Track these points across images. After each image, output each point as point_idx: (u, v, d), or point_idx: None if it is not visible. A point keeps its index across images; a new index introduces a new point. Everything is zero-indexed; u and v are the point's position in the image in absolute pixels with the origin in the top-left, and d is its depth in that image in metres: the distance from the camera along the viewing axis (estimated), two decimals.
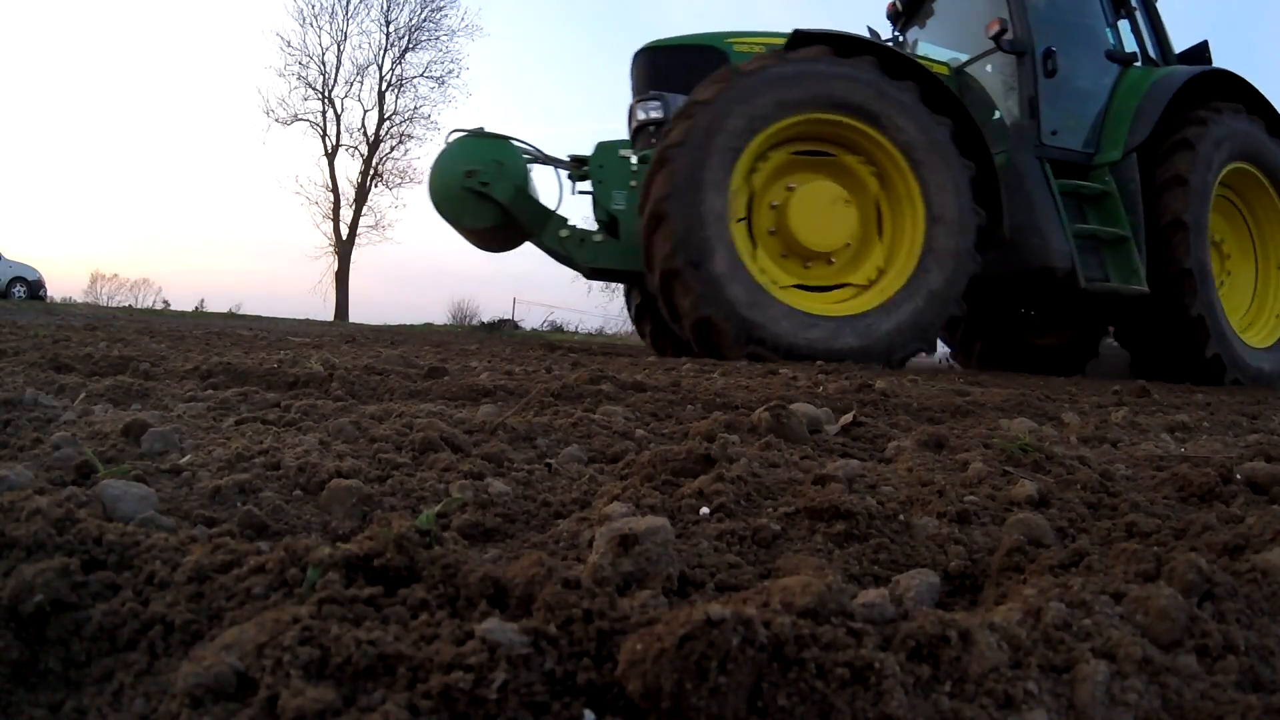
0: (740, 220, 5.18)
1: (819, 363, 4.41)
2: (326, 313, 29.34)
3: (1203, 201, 6.46)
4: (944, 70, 6.61)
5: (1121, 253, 6.28)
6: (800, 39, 5.52)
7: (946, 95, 5.63)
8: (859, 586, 0.86)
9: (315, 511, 1.05)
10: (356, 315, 30.09)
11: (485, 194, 6.05)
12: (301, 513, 1.04)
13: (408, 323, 21.55)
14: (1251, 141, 6.95)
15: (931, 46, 7.47)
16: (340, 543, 0.80)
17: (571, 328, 26.59)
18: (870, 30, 7.72)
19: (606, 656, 0.61)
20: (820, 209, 5.27)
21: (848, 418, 1.95)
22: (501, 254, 7.40)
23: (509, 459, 1.40)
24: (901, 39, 7.82)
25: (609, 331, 28.58)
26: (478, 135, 6.31)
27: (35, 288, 21.85)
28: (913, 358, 5.55)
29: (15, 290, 21.34)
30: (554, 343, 8.29)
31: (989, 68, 6.73)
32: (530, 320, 27.28)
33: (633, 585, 0.78)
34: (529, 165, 6.50)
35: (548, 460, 1.44)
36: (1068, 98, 6.58)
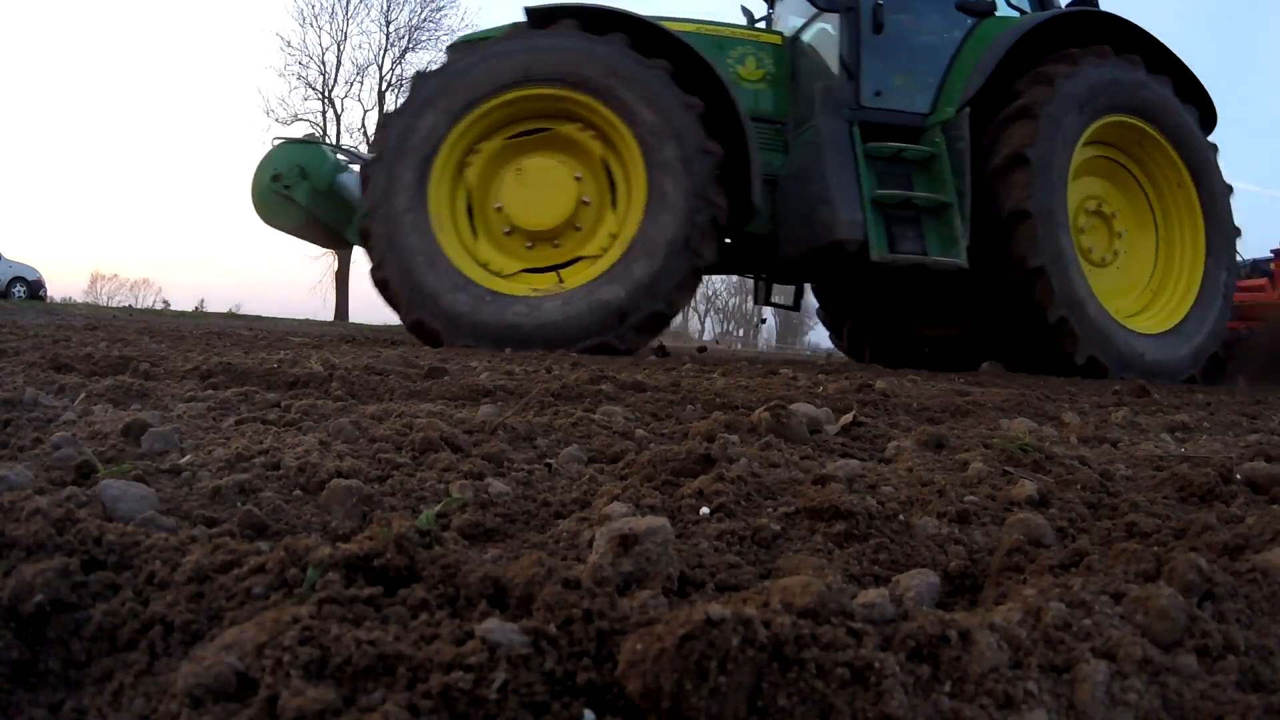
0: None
1: (822, 362, 4.39)
2: (326, 313, 29.34)
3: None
4: (775, 40, 6.25)
5: (943, 221, 5.48)
6: (539, 15, 5.33)
7: (708, 73, 5.29)
8: (859, 586, 0.86)
9: (315, 511, 1.05)
10: (356, 315, 30.08)
11: (288, 197, 6.37)
12: (301, 513, 1.05)
13: None
14: (1132, 91, 5.91)
15: (797, 18, 6.82)
16: (340, 543, 0.80)
17: None
18: (743, 9, 7.41)
19: (606, 656, 0.61)
20: (536, 188, 5.15)
21: (848, 418, 1.95)
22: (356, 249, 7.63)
23: (509, 459, 1.40)
24: (771, 13, 7.44)
25: None
26: (291, 142, 6.80)
27: (35, 288, 21.84)
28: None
29: (15, 290, 21.34)
30: None
31: (831, 30, 6.05)
32: None
33: (633, 585, 0.78)
34: (347, 168, 6.85)
35: (548, 460, 1.44)
36: (904, 55, 5.95)
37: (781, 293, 7.78)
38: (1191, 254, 6.24)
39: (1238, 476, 1.34)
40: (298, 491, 1.13)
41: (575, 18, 5.24)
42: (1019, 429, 2.07)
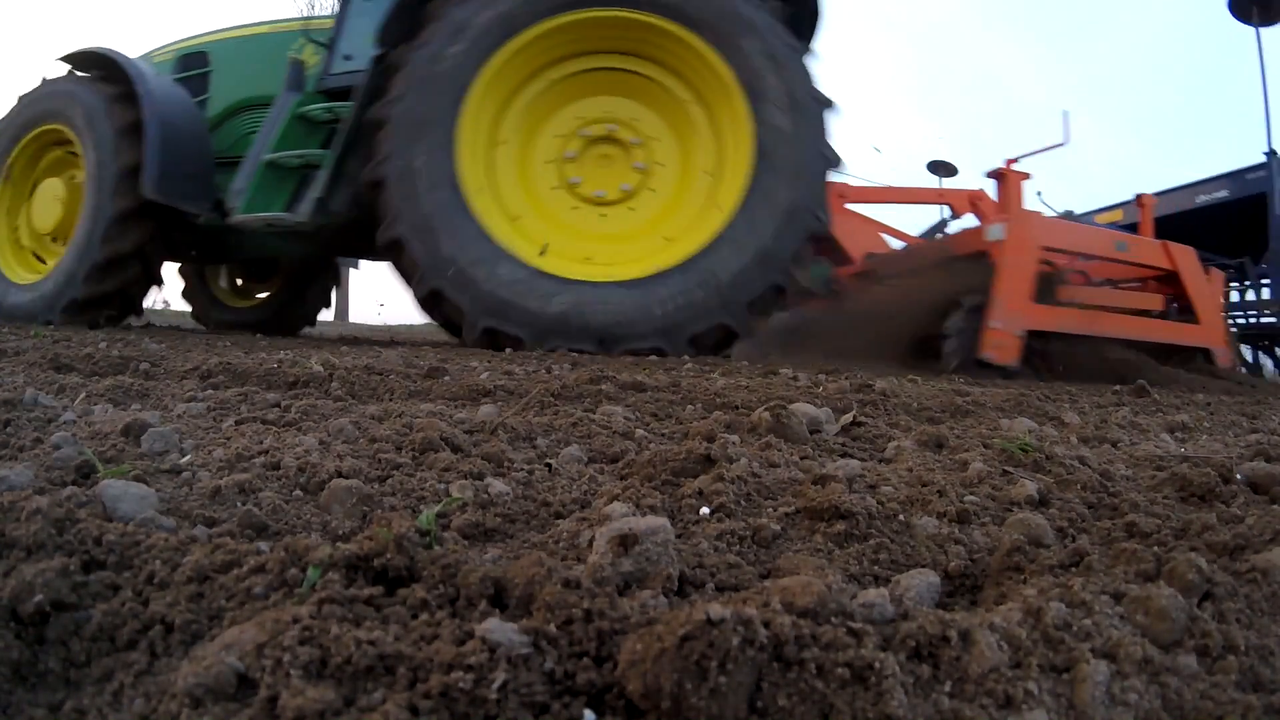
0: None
1: (819, 362, 4.38)
2: (326, 313, 29.26)
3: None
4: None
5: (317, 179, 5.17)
6: (72, 63, 6.27)
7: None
8: (859, 586, 0.86)
9: (315, 511, 1.05)
10: (356, 316, 30.06)
11: None
12: (301, 513, 1.05)
13: (408, 323, 21.53)
14: None
15: None
16: (340, 543, 0.80)
17: None
18: None
19: (606, 656, 0.61)
20: (43, 199, 6.32)
21: (848, 418, 1.95)
22: None
23: (509, 459, 1.40)
24: None
25: None
26: None
27: None
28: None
29: None
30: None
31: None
32: None
33: (633, 585, 0.78)
34: None
35: (548, 460, 1.44)
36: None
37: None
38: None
39: (1238, 476, 1.34)
40: (298, 491, 1.13)
41: (99, 65, 6.12)
42: (1019, 429, 2.07)
